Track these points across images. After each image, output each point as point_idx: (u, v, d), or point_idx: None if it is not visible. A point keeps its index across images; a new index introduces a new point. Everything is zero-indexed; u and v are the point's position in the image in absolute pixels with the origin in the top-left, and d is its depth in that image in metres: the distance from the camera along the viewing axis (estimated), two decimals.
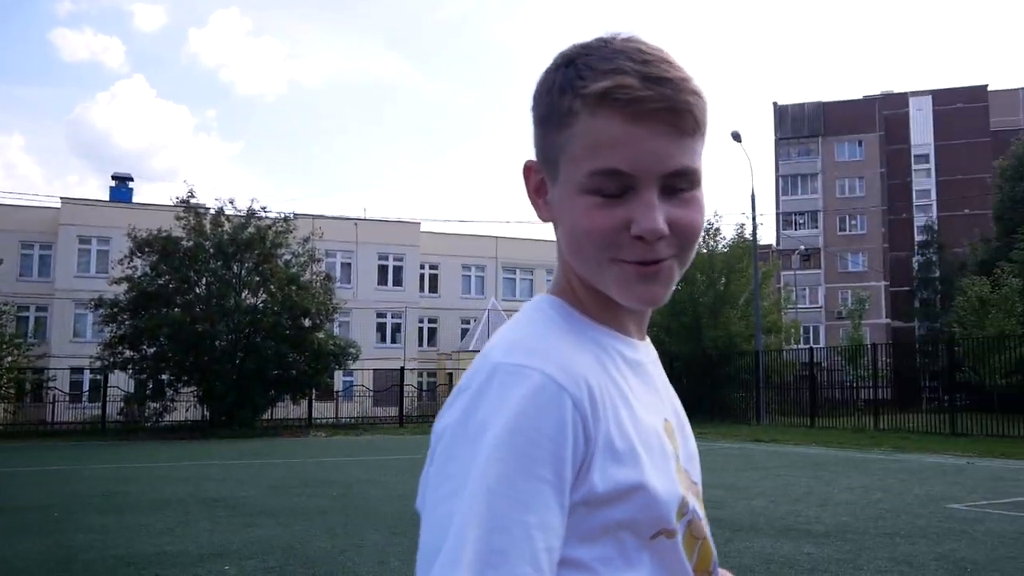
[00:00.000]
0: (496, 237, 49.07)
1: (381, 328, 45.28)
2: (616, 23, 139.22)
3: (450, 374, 43.73)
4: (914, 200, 69.63)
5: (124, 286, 28.44)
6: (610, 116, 0.92)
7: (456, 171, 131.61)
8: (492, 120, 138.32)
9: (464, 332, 46.76)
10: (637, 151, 0.92)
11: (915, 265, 67.12)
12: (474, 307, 46.65)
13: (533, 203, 1.02)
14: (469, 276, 48.57)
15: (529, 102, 1.01)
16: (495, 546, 0.80)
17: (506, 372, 0.88)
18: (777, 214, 70.46)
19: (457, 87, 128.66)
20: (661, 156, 0.93)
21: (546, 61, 0.99)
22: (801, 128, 70.68)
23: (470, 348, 43.18)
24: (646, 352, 1.06)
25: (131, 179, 45.99)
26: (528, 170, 1.02)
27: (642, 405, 0.98)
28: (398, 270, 45.67)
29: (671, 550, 0.95)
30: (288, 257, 30.36)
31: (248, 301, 29.48)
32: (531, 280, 49.48)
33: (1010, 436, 23.63)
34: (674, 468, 0.99)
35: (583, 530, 0.88)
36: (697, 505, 1.03)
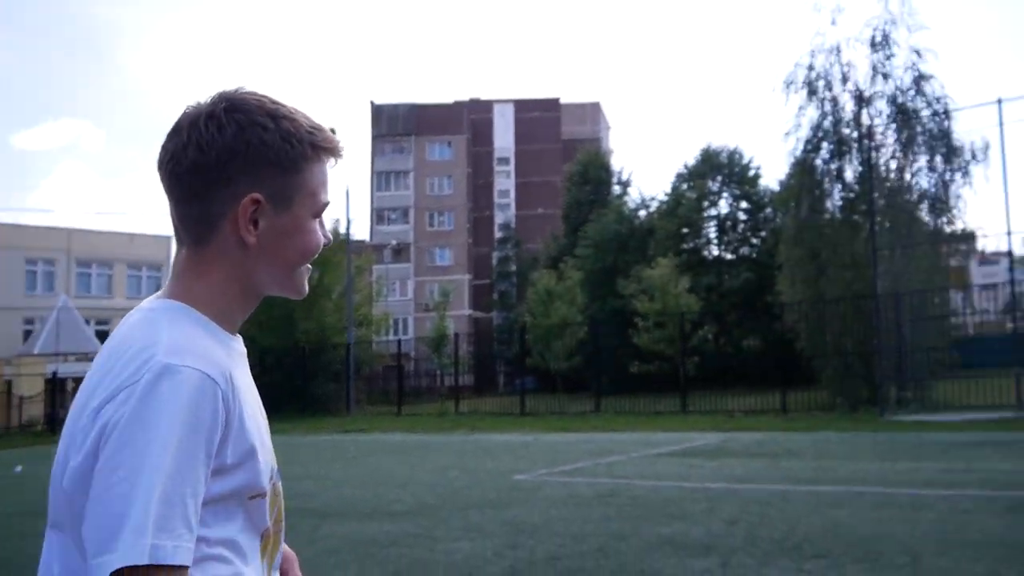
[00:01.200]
0: (69, 229, 44.93)
1: None
2: (239, 51, 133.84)
3: (9, 381, 39.04)
4: (496, 199, 75.14)
5: None
6: (328, 162, 1.26)
7: (21, 153, 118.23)
8: (64, 101, 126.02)
9: (28, 334, 42.22)
10: None
11: (495, 260, 72.50)
12: (41, 306, 42.30)
13: (243, 229, 1.19)
14: (35, 271, 43.91)
15: (224, 145, 1.17)
16: (166, 514, 1.03)
17: (174, 371, 1.07)
18: (372, 209, 72.34)
19: (40, 59, 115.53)
20: None
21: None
22: (396, 127, 73.14)
23: (35, 352, 38.97)
24: (241, 344, 1.29)
25: None
26: (251, 202, 1.19)
27: (249, 388, 1.23)
28: None
29: (259, 507, 1.19)
30: None
31: None
32: (110, 275, 45.89)
33: (568, 413, 26.64)
34: (268, 440, 1.24)
35: (209, 494, 1.10)
36: (277, 470, 1.28)
